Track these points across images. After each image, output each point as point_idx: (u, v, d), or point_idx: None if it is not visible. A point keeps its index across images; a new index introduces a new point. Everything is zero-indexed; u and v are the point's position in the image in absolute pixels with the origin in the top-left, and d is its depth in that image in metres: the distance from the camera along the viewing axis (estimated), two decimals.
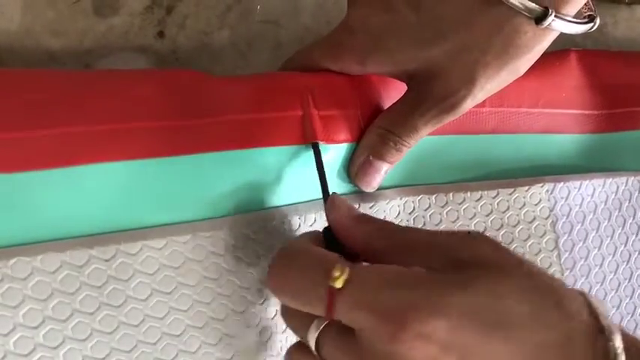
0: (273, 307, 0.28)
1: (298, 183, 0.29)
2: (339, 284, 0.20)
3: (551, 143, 0.36)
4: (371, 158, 0.29)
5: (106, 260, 0.24)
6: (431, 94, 0.27)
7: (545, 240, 0.34)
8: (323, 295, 0.21)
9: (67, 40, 0.31)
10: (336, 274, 0.21)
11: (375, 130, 0.29)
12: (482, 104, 0.32)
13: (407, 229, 0.24)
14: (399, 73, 0.28)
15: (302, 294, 0.22)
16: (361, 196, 0.31)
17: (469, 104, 0.27)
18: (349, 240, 0.24)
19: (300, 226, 0.29)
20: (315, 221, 0.29)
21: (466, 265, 0.21)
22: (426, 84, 0.27)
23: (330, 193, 0.27)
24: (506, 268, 0.21)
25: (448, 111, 0.27)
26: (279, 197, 0.28)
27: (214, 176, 0.27)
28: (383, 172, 0.29)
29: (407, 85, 0.28)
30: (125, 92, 0.25)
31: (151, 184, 0.25)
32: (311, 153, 0.28)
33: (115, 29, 0.31)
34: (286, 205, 0.28)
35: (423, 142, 0.32)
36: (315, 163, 0.27)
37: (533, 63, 0.27)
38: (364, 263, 0.24)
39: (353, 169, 0.29)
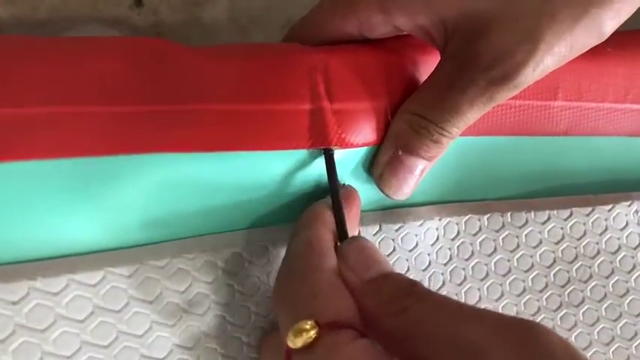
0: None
1: (299, 200, 0.22)
2: (297, 343, 0.16)
3: None
4: (400, 154, 0.21)
5: (14, 303, 0.17)
6: (475, 59, 0.19)
7: (634, 277, 0.27)
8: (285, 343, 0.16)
9: (17, 7, 0.25)
10: (305, 326, 0.16)
11: (403, 116, 0.21)
12: (554, 96, 0.24)
13: (428, 304, 0.16)
14: (434, 28, 0.20)
15: (282, 329, 0.17)
16: (385, 214, 0.24)
17: (530, 75, 0.19)
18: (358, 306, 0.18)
19: None
20: None
21: None
22: (468, 46, 0.19)
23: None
24: None
25: (500, 84, 0.19)
26: (270, 216, 0.22)
27: (184, 186, 0.20)
28: (417, 173, 0.22)
29: (441, 53, 0.21)
30: (69, 64, 0.19)
31: (90, 193, 0.19)
32: (320, 161, 0.21)
33: None
34: (279, 226, 0.22)
35: (472, 145, 0.24)
36: (326, 175, 0.21)
37: (624, 19, 0.19)
38: None
39: (377, 169, 0.22)
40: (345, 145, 0.21)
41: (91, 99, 0.19)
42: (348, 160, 0.22)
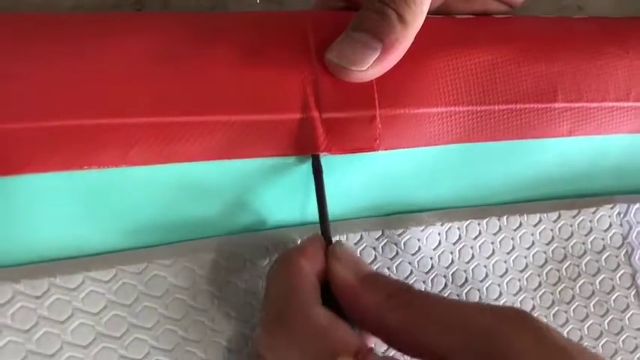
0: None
1: (291, 204, 0.23)
2: None
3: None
4: (350, 32, 0.21)
5: (37, 297, 0.19)
6: None
7: (618, 275, 0.28)
8: None
9: None
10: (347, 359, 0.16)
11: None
12: (554, 98, 0.25)
13: (430, 298, 0.18)
14: None
15: None
16: (388, 220, 0.24)
17: None
18: (354, 307, 0.19)
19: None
20: None
21: None
22: None
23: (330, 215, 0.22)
24: None
25: None
26: (267, 219, 0.23)
27: (185, 193, 0.21)
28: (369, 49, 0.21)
29: None
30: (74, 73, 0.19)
31: (102, 202, 0.20)
32: (306, 166, 0.22)
33: (83, 3, 0.25)
34: (270, 229, 0.23)
35: (474, 150, 0.25)
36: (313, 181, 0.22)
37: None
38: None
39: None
40: (332, 151, 0.22)
41: (100, 112, 0.19)
42: (350, 169, 0.23)
